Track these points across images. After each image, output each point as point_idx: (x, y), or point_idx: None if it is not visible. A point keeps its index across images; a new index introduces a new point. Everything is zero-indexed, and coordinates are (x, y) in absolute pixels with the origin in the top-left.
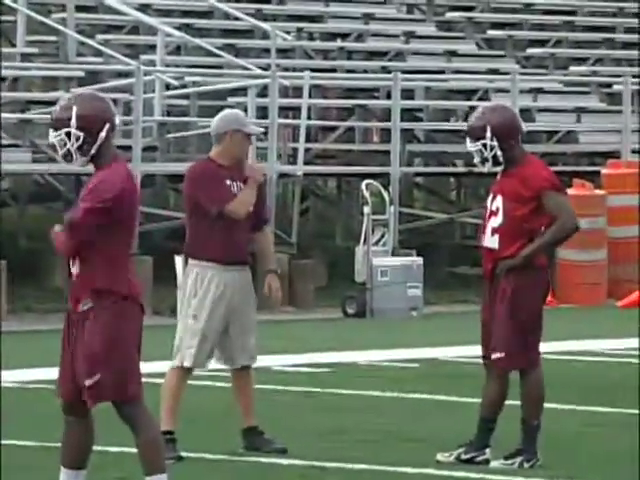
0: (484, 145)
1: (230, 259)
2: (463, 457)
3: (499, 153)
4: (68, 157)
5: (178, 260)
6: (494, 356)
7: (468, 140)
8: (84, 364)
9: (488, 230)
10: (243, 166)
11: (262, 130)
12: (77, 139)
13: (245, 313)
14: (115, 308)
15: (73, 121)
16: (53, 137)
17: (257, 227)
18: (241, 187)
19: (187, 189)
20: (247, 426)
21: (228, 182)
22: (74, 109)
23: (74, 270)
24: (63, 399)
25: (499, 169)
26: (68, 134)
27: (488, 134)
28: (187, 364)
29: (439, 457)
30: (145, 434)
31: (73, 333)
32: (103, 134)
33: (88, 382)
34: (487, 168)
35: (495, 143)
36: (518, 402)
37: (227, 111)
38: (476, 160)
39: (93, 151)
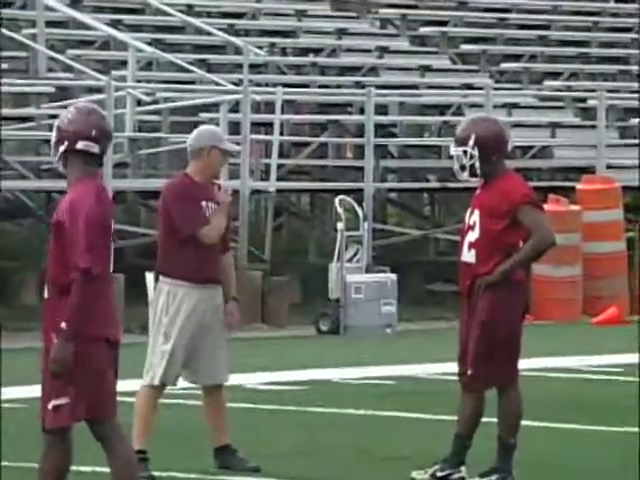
0: (464, 152)
1: (202, 278)
2: (439, 474)
3: (477, 164)
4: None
5: (149, 277)
6: (468, 373)
7: (452, 144)
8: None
9: (465, 245)
10: (214, 184)
11: (239, 148)
12: (58, 145)
13: (216, 331)
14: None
15: (56, 132)
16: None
17: (221, 250)
18: (214, 207)
19: (162, 208)
20: (219, 445)
21: (203, 204)
22: (65, 118)
23: (46, 294)
24: (43, 419)
25: (474, 180)
26: (57, 141)
27: (471, 142)
28: (157, 382)
29: (414, 475)
30: (118, 453)
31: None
32: (79, 146)
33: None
34: (464, 176)
35: (475, 153)
36: (494, 419)
37: (204, 127)
38: (455, 166)
39: (64, 163)
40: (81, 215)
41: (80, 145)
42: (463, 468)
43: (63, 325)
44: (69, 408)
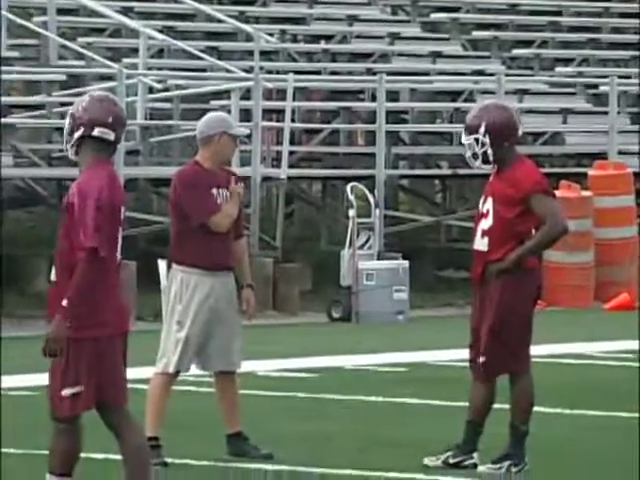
0: (476, 140)
1: (214, 265)
2: (451, 461)
3: (489, 151)
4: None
5: (162, 264)
6: (480, 359)
7: (464, 133)
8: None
9: (478, 232)
10: (227, 170)
11: (248, 132)
12: (72, 131)
13: (229, 318)
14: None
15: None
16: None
17: (233, 237)
18: (226, 195)
19: (174, 195)
20: (232, 432)
21: (214, 191)
22: (79, 106)
23: (54, 277)
24: (54, 407)
25: (487, 168)
26: (71, 129)
27: (482, 130)
28: (171, 370)
29: (426, 461)
30: (130, 441)
31: None
32: (93, 132)
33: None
34: (477, 164)
35: (487, 140)
36: (507, 406)
37: (213, 114)
38: (467, 154)
39: (75, 149)
40: (91, 197)
41: (96, 132)
42: (475, 455)
43: (64, 302)
44: (81, 397)
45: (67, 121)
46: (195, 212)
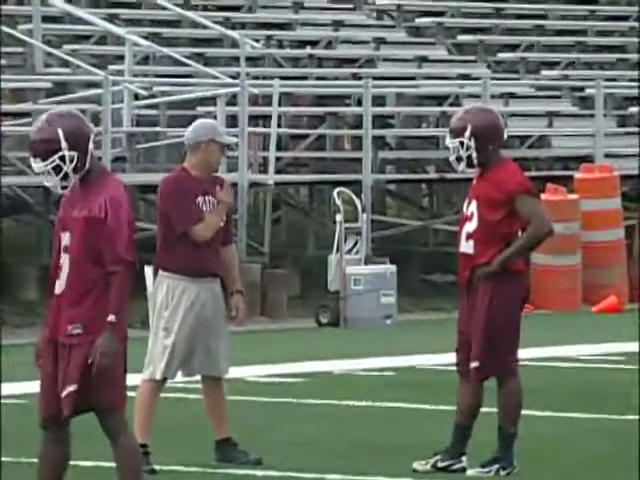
0: (461, 143)
1: (200, 272)
2: (439, 465)
3: (474, 155)
4: (64, 181)
5: (148, 271)
6: (472, 365)
7: (448, 136)
8: (66, 376)
9: (463, 235)
10: (215, 177)
11: (236, 140)
12: (71, 160)
13: (216, 325)
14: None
15: (63, 144)
16: (44, 166)
17: (222, 243)
18: (212, 202)
19: (159, 203)
20: (220, 438)
21: (200, 199)
22: (60, 132)
23: (59, 289)
24: (42, 413)
25: (472, 171)
26: (62, 158)
27: (467, 133)
28: (158, 377)
29: (415, 465)
30: (125, 445)
31: (60, 353)
32: (91, 147)
33: (67, 390)
34: (461, 168)
35: (472, 144)
36: (495, 409)
37: (202, 121)
38: (451, 158)
39: (87, 167)
40: (122, 210)
41: (91, 142)
42: (464, 458)
43: (112, 318)
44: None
45: (66, 146)
46: (178, 220)
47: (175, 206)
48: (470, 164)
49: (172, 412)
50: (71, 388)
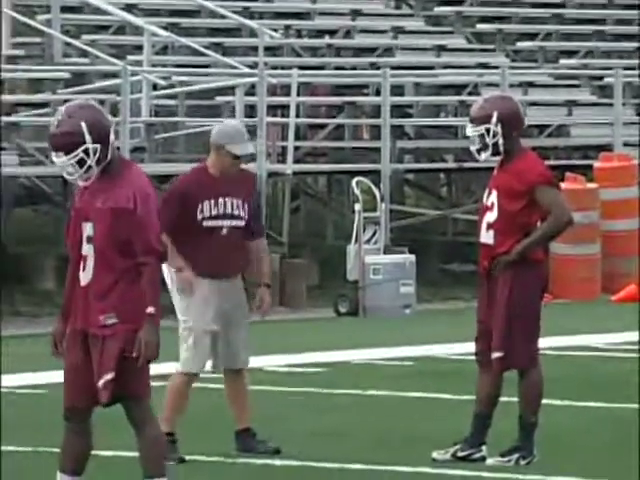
0: (487, 130)
1: (214, 274)
2: (459, 454)
3: (501, 141)
4: (87, 174)
5: (165, 267)
6: (495, 355)
7: (470, 125)
8: (102, 365)
9: (483, 225)
10: (243, 175)
11: (250, 152)
12: (95, 152)
13: (235, 317)
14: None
15: (87, 137)
16: (67, 160)
17: (248, 238)
18: (234, 203)
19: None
20: (240, 428)
21: (210, 202)
22: (83, 124)
23: (85, 280)
24: (66, 404)
25: (497, 159)
26: (86, 151)
27: (494, 120)
28: (184, 369)
29: (435, 455)
30: (149, 433)
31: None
32: (112, 138)
33: (104, 379)
34: (485, 156)
35: (499, 130)
36: (515, 399)
37: (226, 123)
38: (474, 147)
39: (108, 158)
40: (151, 202)
41: (112, 136)
42: (484, 448)
43: (152, 310)
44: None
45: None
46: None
47: (163, 208)
48: (496, 152)
49: (193, 401)
50: (108, 377)
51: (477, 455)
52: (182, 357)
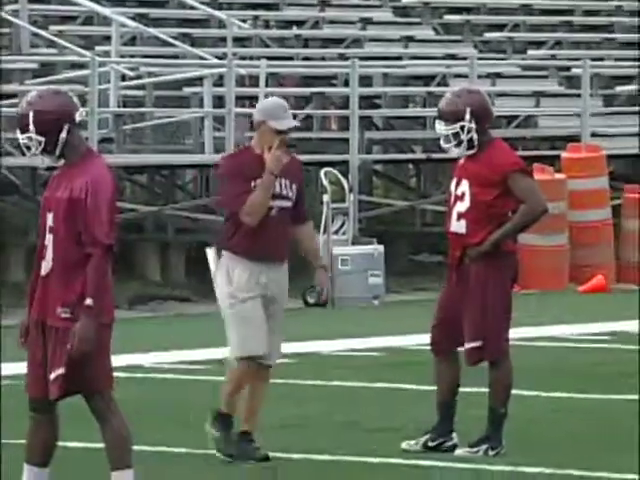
0: (462, 127)
1: (262, 257)
2: (430, 444)
3: (475, 136)
4: (46, 157)
5: (210, 252)
6: (470, 345)
7: (442, 123)
8: (54, 359)
9: (454, 215)
10: (291, 159)
11: (292, 124)
12: (39, 143)
13: (279, 308)
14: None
15: (31, 127)
16: (21, 139)
17: (297, 221)
18: (282, 184)
19: (219, 184)
20: (243, 430)
21: (257, 182)
22: (30, 114)
23: (45, 270)
24: (30, 395)
25: (471, 153)
26: (30, 139)
27: (467, 116)
28: (244, 353)
29: (405, 446)
30: (113, 427)
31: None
32: (64, 134)
33: (55, 374)
34: (459, 152)
35: (473, 125)
36: (481, 389)
37: (268, 100)
38: (448, 144)
39: (58, 152)
40: (103, 193)
41: (78, 117)
42: (454, 435)
43: (89, 302)
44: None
45: (37, 127)
46: (225, 202)
47: (224, 187)
48: (471, 146)
49: (157, 393)
50: (59, 371)
51: (449, 443)
52: (237, 342)
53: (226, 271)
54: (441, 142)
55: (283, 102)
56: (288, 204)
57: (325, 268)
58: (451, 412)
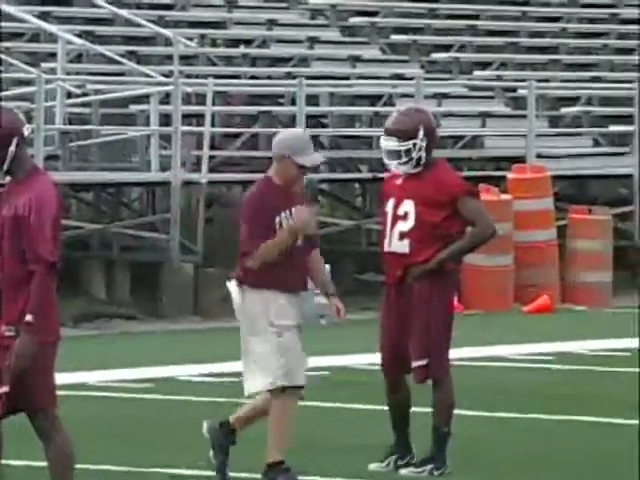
0: (414, 145)
1: (294, 286)
2: (400, 463)
3: (424, 155)
4: None
5: (232, 285)
6: (417, 363)
7: (393, 139)
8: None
9: (395, 235)
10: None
11: (319, 161)
12: None
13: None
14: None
15: None
16: None
17: (307, 251)
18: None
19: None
20: (230, 422)
21: (282, 215)
22: None
23: None
24: None
25: (415, 171)
26: None
27: (420, 134)
28: (291, 383)
29: (373, 467)
30: (56, 445)
31: None
32: (12, 148)
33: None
34: (405, 169)
35: (424, 144)
36: (426, 409)
37: (290, 132)
38: (394, 161)
39: (5, 166)
40: (47, 210)
41: (26, 133)
42: (414, 450)
43: (30, 318)
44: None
45: None
46: (245, 242)
47: (244, 225)
48: (418, 164)
49: (103, 411)
50: (2, 389)
51: (414, 460)
52: (279, 370)
53: (261, 302)
54: (385, 158)
55: (307, 136)
56: (273, 252)
57: (334, 294)
58: (406, 432)
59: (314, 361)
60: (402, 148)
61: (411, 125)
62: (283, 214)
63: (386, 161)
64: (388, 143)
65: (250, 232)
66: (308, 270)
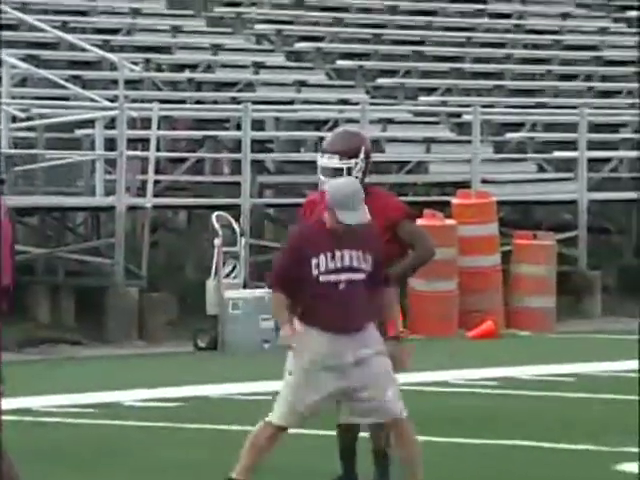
0: (355, 164)
1: (332, 328)
2: None
3: (361, 177)
4: None
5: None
6: None
7: (335, 157)
8: None
9: None
10: (366, 227)
11: (360, 220)
12: None
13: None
14: None
15: None
16: None
17: (373, 289)
18: (351, 256)
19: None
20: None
21: (322, 256)
22: None
23: None
24: None
25: None
26: None
27: (362, 155)
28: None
29: None
30: (0, 471)
31: None
32: None
33: None
34: None
35: (363, 165)
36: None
37: (343, 186)
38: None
39: None
40: (3, 234)
41: None
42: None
43: None
44: None
45: None
46: (273, 271)
47: (280, 256)
48: None
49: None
50: None
51: None
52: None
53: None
54: (321, 176)
55: (357, 191)
56: (360, 276)
57: (397, 338)
58: (353, 460)
59: (257, 386)
60: (344, 166)
61: (354, 145)
62: (327, 254)
63: (323, 179)
64: (330, 161)
65: (281, 266)
66: (360, 310)
